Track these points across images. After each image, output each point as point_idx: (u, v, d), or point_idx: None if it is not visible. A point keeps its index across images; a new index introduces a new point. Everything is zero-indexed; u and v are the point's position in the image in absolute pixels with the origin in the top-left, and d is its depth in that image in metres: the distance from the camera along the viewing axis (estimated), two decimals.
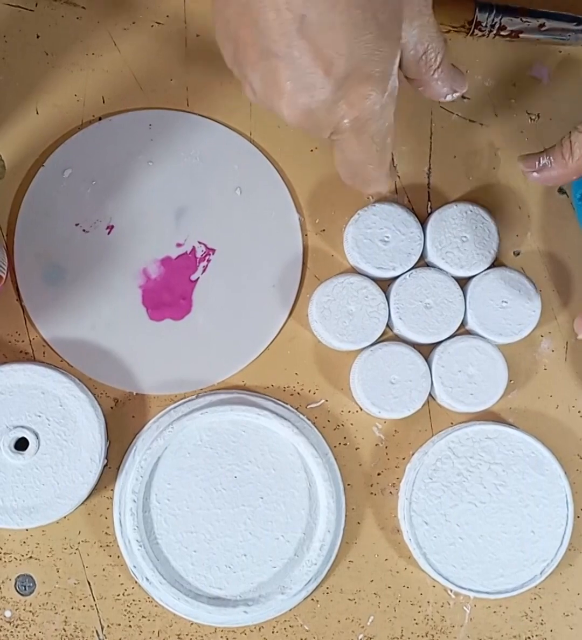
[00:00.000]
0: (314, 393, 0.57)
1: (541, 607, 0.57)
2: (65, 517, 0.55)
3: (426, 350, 0.57)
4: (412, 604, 0.56)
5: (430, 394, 0.56)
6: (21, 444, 0.54)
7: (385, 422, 0.57)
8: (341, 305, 0.55)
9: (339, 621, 0.56)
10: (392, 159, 0.52)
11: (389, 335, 0.57)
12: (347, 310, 0.55)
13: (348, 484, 0.56)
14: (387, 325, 0.56)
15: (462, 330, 0.57)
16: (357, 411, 0.57)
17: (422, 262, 0.57)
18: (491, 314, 0.56)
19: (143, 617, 0.55)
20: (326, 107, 0.42)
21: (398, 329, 0.56)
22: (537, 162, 0.52)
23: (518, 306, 0.56)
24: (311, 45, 0.40)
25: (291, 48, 0.40)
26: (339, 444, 0.57)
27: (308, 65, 0.40)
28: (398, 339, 0.57)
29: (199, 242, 0.57)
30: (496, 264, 0.57)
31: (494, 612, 0.57)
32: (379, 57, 0.41)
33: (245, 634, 0.55)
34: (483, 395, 0.56)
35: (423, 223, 0.57)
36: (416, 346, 0.56)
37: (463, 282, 0.57)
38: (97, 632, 0.55)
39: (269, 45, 0.40)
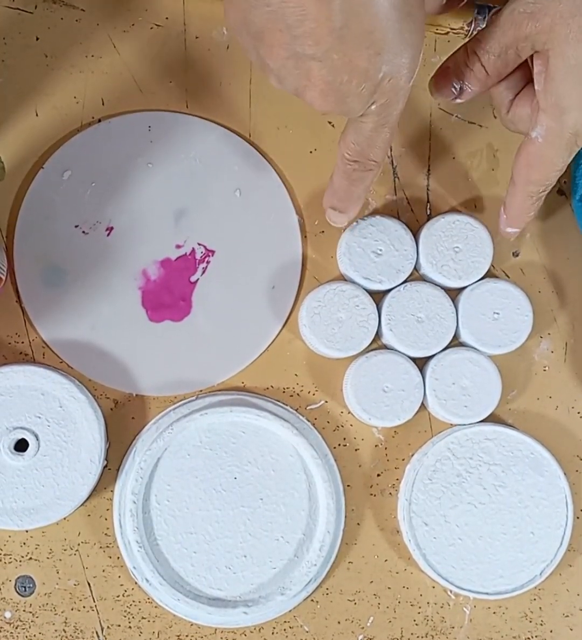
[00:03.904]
0: (314, 394, 0.57)
1: (540, 608, 0.57)
2: (65, 519, 0.55)
3: (420, 361, 0.56)
4: (412, 605, 0.56)
5: (423, 406, 0.56)
6: (21, 445, 0.54)
7: None
8: (331, 312, 0.55)
9: (338, 622, 0.56)
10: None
11: (377, 346, 0.57)
12: (336, 317, 0.55)
13: (348, 485, 0.56)
14: (377, 334, 0.56)
15: (456, 342, 0.57)
16: None
17: (417, 276, 0.58)
18: (485, 327, 0.56)
19: (143, 618, 0.55)
20: (360, 100, 0.43)
21: (388, 341, 0.56)
22: (453, 89, 0.51)
23: (510, 314, 0.56)
24: (351, 49, 0.40)
25: (330, 52, 0.40)
26: (339, 445, 0.57)
27: (347, 67, 0.41)
28: (388, 348, 0.57)
29: (199, 244, 0.57)
30: (494, 267, 0.57)
31: (494, 612, 0.57)
32: (414, 49, 0.42)
33: (245, 634, 0.55)
34: (477, 407, 0.55)
35: (415, 235, 0.57)
36: (410, 357, 0.56)
37: (454, 295, 0.57)
38: (97, 633, 0.55)
39: (304, 50, 0.41)
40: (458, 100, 0.51)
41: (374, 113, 0.44)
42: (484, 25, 0.57)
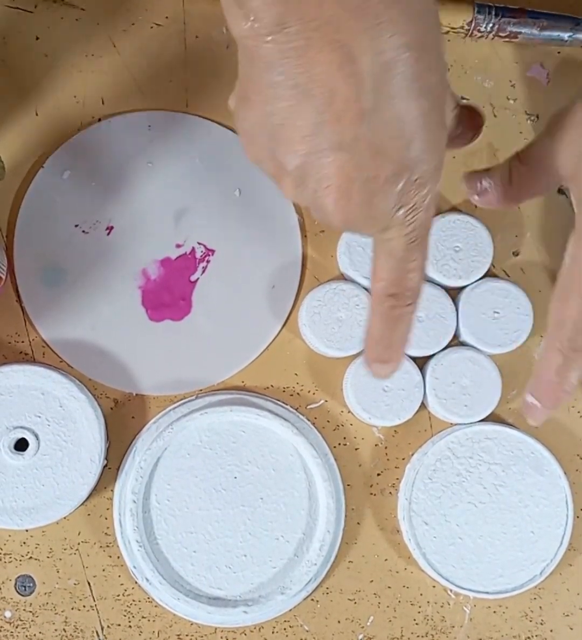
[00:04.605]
0: (314, 393, 0.57)
1: (540, 607, 0.57)
2: (65, 518, 0.55)
3: (421, 360, 0.56)
4: (412, 604, 0.56)
5: (423, 405, 0.56)
6: (21, 445, 0.54)
7: None
8: (331, 311, 0.55)
9: (338, 621, 0.56)
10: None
11: None
12: (336, 316, 0.55)
13: (348, 485, 0.56)
14: None
15: (457, 341, 0.57)
16: None
17: None
18: (486, 327, 0.56)
19: (143, 617, 0.55)
20: (386, 201, 0.38)
21: None
22: (478, 184, 0.49)
23: (511, 314, 0.56)
24: (380, 137, 0.37)
25: (357, 140, 0.37)
26: (339, 444, 0.57)
27: (374, 159, 0.37)
28: None
29: (199, 243, 0.57)
30: (494, 266, 0.57)
31: (494, 612, 0.57)
32: (440, 147, 0.39)
33: (245, 634, 0.55)
34: (477, 406, 0.55)
35: None
36: (410, 356, 0.56)
37: (454, 295, 0.57)
38: (97, 632, 0.55)
39: (329, 137, 0.37)
40: (475, 198, 0.49)
41: (402, 223, 0.39)
42: (484, 25, 0.57)
